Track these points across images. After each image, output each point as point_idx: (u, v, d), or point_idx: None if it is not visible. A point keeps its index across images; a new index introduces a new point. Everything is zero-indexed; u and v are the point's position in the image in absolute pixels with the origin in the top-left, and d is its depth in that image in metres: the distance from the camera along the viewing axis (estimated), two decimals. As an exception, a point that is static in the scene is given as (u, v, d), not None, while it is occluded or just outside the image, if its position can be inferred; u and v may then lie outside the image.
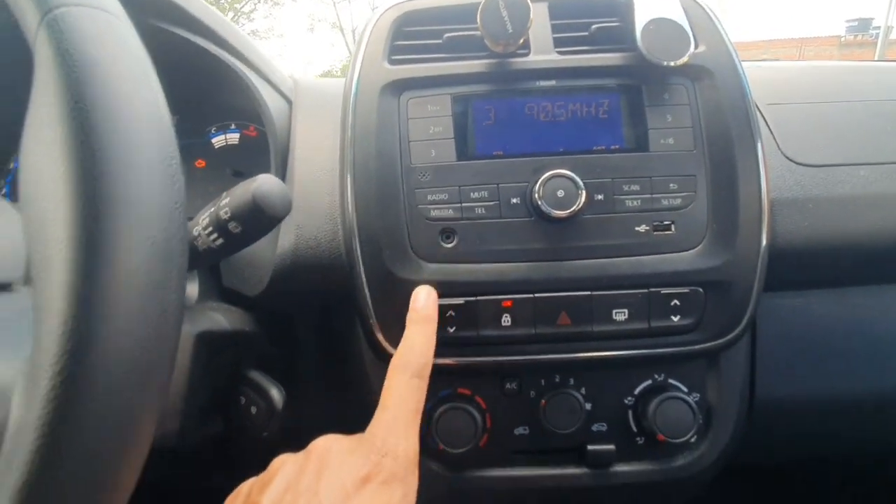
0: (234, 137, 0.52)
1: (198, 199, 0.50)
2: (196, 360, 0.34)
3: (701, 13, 0.42)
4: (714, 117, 0.39)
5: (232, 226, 0.31)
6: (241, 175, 0.51)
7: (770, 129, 0.44)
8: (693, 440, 0.41)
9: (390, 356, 0.38)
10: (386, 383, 0.32)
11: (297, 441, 0.32)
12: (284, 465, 0.27)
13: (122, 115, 0.18)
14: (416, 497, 0.28)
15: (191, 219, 0.34)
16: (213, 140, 0.52)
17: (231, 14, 13.96)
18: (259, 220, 0.30)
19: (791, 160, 0.43)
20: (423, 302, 0.36)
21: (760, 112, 0.45)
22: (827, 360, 0.46)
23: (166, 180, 0.20)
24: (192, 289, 0.41)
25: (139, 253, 0.18)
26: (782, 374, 0.45)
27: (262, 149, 0.51)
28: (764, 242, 0.38)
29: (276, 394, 0.38)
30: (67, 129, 0.17)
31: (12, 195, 0.53)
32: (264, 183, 0.30)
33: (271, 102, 0.44)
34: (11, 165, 0.53)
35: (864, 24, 17.33)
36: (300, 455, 0.28)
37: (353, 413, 0.44)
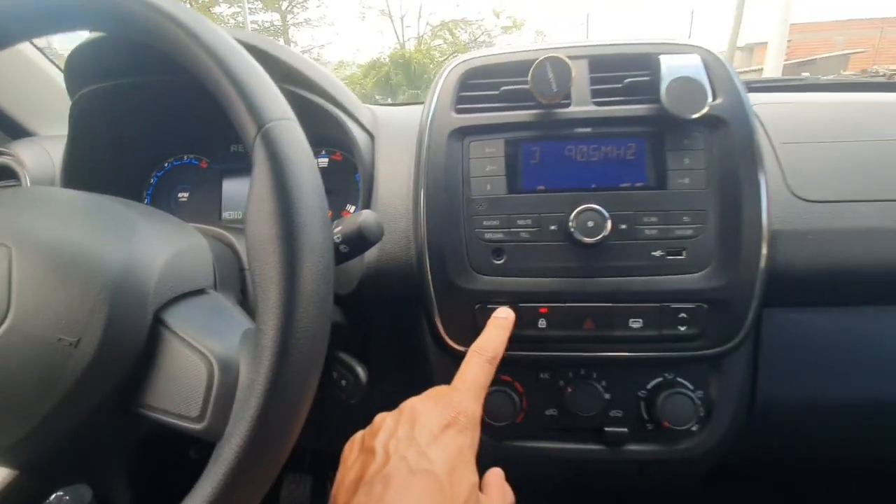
0: (324, 162, 0.63)
1: None
2: None
3: (720, 66, 0.49)
4: (725, 160, 0.46)
5: (342, 247, 0.42)
6: (330, 193, 0.63)
7: (780, 167, 0.51)
8: (694, 429, 0.50)
9: (450, 346, 0.49)
10: (465, 361, 0.41)
11: (371, 411, 0.42)
12: (385, 419, 0.37)
13: (307, 194, 0.29)
14: (476, 447, 0.36)
15: None
16: None
17: (286, 3, 14.37)
18: (362, 244, 0.41)
19: (797, 196, 0.49)
20: (505, 314, 0.46)
21: (774, 151, 0.52)
22: (825, 370, 0.52)
23: (327, 231, 0.31)
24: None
25: (316, 278, 0.29)
26: (783, 380, 0.52)
27: (347, 171, 0.62)
28: (762, 268, 0.45)
29: (360, 370, 0.50)
30: (278, 205, 0.28)
31: (153, 205, 0.67)
32: (368, 217, 0.41)
33: (359, 137, 0.55)
34: (152, 181, 0.67)
35: (959, 2, 15.51)
36: (395, 412, 0.38)
37: (415, 391, 0.55)
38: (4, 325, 0.30)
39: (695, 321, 0.47)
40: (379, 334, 0.59)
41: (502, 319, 0.45)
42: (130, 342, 0.31)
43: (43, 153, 0.67)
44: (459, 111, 0.50)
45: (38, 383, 0.30)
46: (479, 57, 0.52)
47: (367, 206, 0.54)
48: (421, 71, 13.34)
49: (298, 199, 0.29)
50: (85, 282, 0.31)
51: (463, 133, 0.50)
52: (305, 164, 0.30)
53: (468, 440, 0.35)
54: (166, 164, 0.67)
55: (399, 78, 13.14)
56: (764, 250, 0.45)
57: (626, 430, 0.50)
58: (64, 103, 0.83)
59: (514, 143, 0.49)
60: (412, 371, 0.56)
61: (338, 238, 0.42)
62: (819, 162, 0.51)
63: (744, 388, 0.51)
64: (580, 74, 0.50)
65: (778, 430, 0.55)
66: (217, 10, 13.81)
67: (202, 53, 0.30)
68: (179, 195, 0.66)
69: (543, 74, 0.47)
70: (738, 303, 0.46)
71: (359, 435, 0.38)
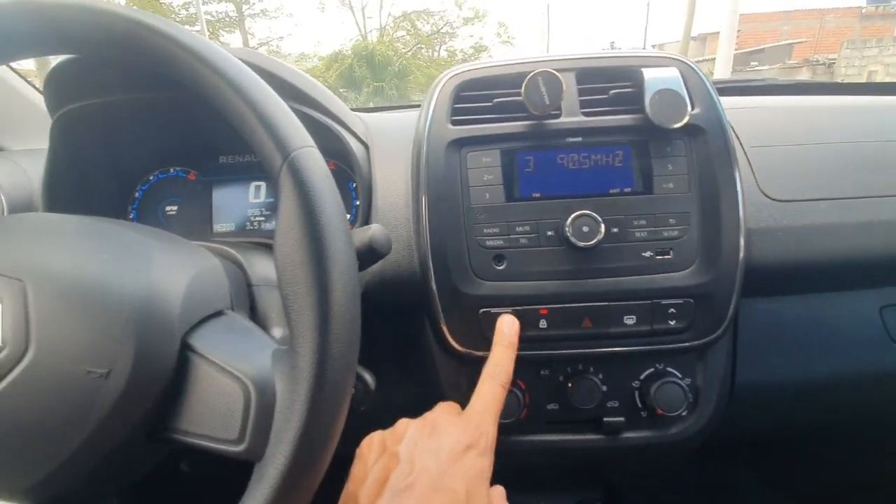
0: None
1: None
2: None
3: (696, 78, 0.52)
4: (704, 165, 0.50)
5: (353, 261, 0.43)
6: None
7: (752, 170, 0.55)
8: (684, 414, 0.54)
9: (454, 350, 0.51)
10: (479, 386, 0.42)
11: (381, 416, 0.43)
12: (409, 426, 0.39)
13: (333, 218, 0.30)
14: (491, 471, 0.37)
15: None
16: None
17: (241, -7, 13.85)
18: (372, 257, 0.43)
19: (767, 196, 0.54)
20: (508, 331, 0.46)
21: (746, 155, 0.56)
22: (793, 351, 0.58)
23: (352, 252, 0.32)
24: None
25: (347, 298, 0.30)
26: (757, 363, 0.57)
27: (341, 180, 0.63)
28: (741, 263, 0.50)
29: (369, 378, 0.51)
30: (307, 230, 0.29)
31: (139, 220, 0.65)
32: (377, 231, 0.42)
33: (355, 148, 0.56)
34: (137, 195, 0.66)
35: (886, -5, 16.56)
36: (419, 421, 0.40)
37: (421, 392, 0.57)
38: (25, 362, 0.29)
39: (683, 315, 0.50)
40: (384, 341, 0.60)
41: (508, 337, 0.46)
42: (160, 370, 0.32)
43: (17, 170, 0.65)
44: (455, 122, 0.52)
45: (64, 420, 0.29)
46: (472, 70, 0.54)
47: (366, 216, 0.55)
48: (385, 63, 13.17)
49: (327, 224, 0.30)
50: (110, 312, 0.31)
51: (460, 144, 0.51)
52: (329, 189, 0.31)
53: (487, 463, 0.36)
54: (151, 178, 0.65)
55: (363, 70, 12.93)
56: (742, 247, 0.49)
57: (622, 419, 0.53)
58: (31, 115, 0.80)
59: (509, 153, 0.51)
60: (417, 376, 0.58)
61: (349, 252, 0.43)
62: (784, 164, 0.56)
63: (725, 374, 0.55)
64: (569, 86, 0.52)
65: (753, 410, 0.60)
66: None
67: (223, 85, 0.31)
68: (167, 209, 0.65)
69: (536, 88, 0.49)
70: (720, 296, 0.50)
71: (378, 435, 0.40)
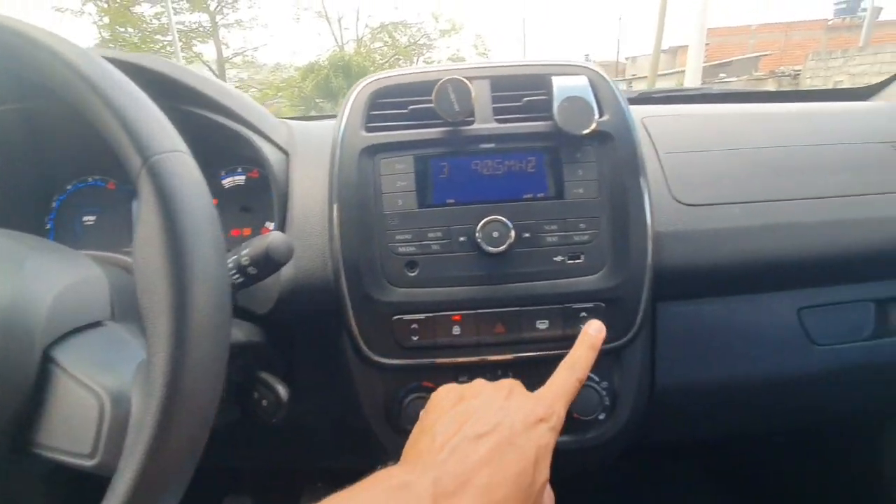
0: (240, 179, 0.63)
1: None
2: None
3: (605, 86, 0.53)
4: (613, 171, 0.51)
5: (250, 269, 0.42)
6: (247, 210, 0.63)
7: (664, 175, 0.56)
8: (602, 417, 0.54)
9: (370, 359, 0.51)
10: (556, 374, 0.42)
11: (298, 426, 0.43)
12: (486, 385, 0.39)
13: (196, 225, 0.30)
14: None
15: None
16: (224, 181, 0.63)
17: (214, 3, 13.75)
18: (270, 265, 0.42)
19: (678, 201, 0.55)
20: (593, 332, 0.45)
21: (659, 160, 0.57)
22: (712, 354, 0.59)
23: (220, 259, 0.31)
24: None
25: (209, 307, 0.29)
26: (676, 366, 0.58)
27: (266, 188, 0.62)
28: (649, 266, 0.50)
29: (281, 390, 0.50)
30: (165, 238, 0.29)
31: (56, 231, 0.63)
32: (276, 238, 0.42)
33: (271, 156, 0.56)
34: (53, 205, 0.64)
35: (852, 6, 17.27)
36: (494, 384, 0.40)
37: (340, 402, 0.56)
38: None
39: (595, 318, 0.51)
40: (304, 351, 0.59)
41: (594, 338, 0.45)
42: (18, 382, 0.30)
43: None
44: (370, 129, 0.52)
45: None
46: (388, 77, 0.54)
47: (281, 224, 0.54)
48: (361, 73, 13.12)
49: (186, 230, 0.29)
50: None
51: (374, 151, 0.51)
52: (194, 195, 0.31)
53: (553, 440, 0.37)
54: (69, 187, 0.64)
55: (339, 81, 12.92)
56: (650, 251, 0.50)
57: None
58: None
59: (423, 160, 0.51)
60: (337, 386, 0.57)
61: (246, 260, 0.42)
62: (696, 169, 0.57)
63: (643, 377, 0.56)
64: (483, 93, 0.53)
65: (675, 413, 0.61)
66: (138, 9, 12.99)
67: (78, 82, 0.30)
68: (85, 219, 0.63)
69: (445, 95, 0.49)
70: (630, 299, 0.51)
71: (455, 385, 0.40)
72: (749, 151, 0.59)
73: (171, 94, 0.50)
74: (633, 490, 0.91)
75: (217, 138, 0.56)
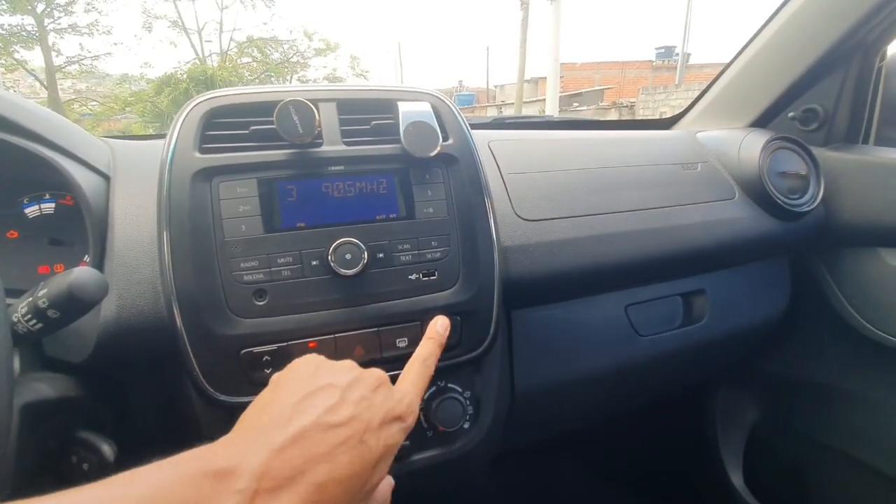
0: (49, 207, 0.54)
1: (13, 270, 0.51)
2: (21, 430, 0.38)
3: (448, 111, 0.57)
4: (460, 191, 0.54)
5: (51, 312, 0.36)
6: (58, 243, 0.54)
7: (508, 194, 0.61)
8: (466, 426, 0.56)
9: (215, 399, 0.46)
10: (410, 366, 0.43)
11: None
12: (353, 370, 0.37)
13: None
14: None
15: (9, 291, 0.37)
16: (27, 210, 0.53)
17: (42, 6, 11.83)
18: (76, 306, 0.36)
19: (520, 217, 0.60)
20: (441, 329, 0.49)
21: (504, 180, 0.63)
22: (560, 354, 0.65)
23: None
24: (13, 363, 0.44)
25: None
26: (532, 369, 0.63)
27: (80, 217, 0.54)
28: (497, 279, 0.54)
29: (107, 449, 0.43)
30: None
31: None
32: (80, 275, 0.36)
33: (84, 182, 0.49)
34: None
35: (668, 51, 20.81)
36: (366, 371, 0.37)
37: (189, 448, 0.50)
38: None
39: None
40: (142, 399, 0.52)
41: (441, 336, 0.48)
42: None
43: None
44: (205, 150, 0.48)
45: None
46: (225, 95, 0.51)
47: (99, 256, 0.47)
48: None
49: None
50: None
51: (210, 174, 0.48)
52: None
53: (402, 440, 0.36)
54: None
55: (202, 96, 11.91)
56: (497, 264, 0.54)
57: (408, 442, 0.54)
58: None
59: (268, 183, 0.49)
60: (182, 432, 0.51)
61: (44, 303, 0.36)
62: (535, 188, 0.64)
63: (503, 382, 0.60)
64: (330, 116, 0.52)
65: (536, 412, 0.66)
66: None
67: None
68: None
69: (288, 116, 0.48)
70: (483, 310, 0.54)
71: (321, 358, 0.38)
72: (575, 172, 0.67)
73: None
74: (524, 490, 0.96)
75: (21, 160, 0.48)
